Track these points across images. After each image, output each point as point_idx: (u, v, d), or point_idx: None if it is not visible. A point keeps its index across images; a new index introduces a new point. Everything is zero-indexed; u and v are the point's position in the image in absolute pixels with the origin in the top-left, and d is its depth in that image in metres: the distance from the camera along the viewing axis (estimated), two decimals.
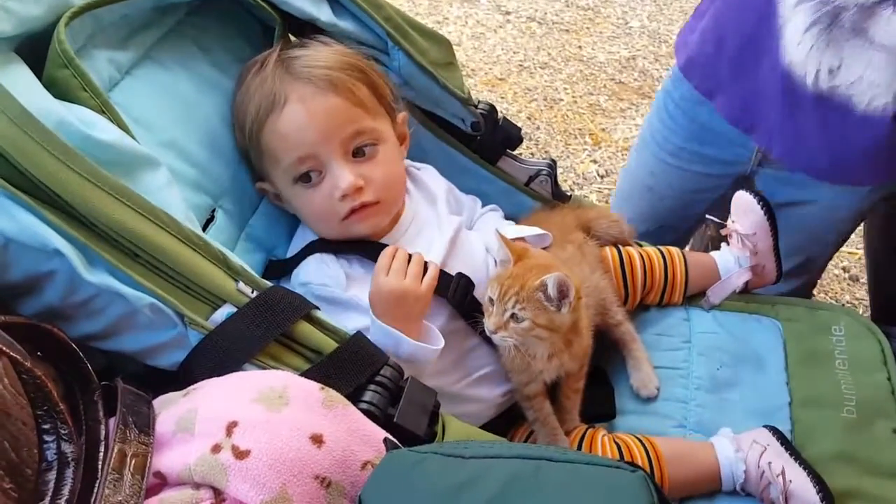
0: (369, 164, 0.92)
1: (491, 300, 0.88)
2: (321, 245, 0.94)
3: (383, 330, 0.82)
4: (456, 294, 0.92)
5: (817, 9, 1.01)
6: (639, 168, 1.38)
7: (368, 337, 0.78)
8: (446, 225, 0.99)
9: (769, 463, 0.86)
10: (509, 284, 0.87)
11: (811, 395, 0.99)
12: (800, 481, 0.86)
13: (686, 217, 1.36)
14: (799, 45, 1.04)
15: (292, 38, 1.03)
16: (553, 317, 0.86)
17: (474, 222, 1.09)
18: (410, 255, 0.88)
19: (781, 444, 0.89)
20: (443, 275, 0.91)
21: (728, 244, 1.14)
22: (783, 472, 0.86)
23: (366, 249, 0.93)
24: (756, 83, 1.12)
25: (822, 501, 0.85)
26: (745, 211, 1.10)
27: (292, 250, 0.97)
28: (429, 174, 1.07)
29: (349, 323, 0.81)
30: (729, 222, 1.13)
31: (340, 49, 0.95)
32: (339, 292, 0.89)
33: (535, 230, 1.02)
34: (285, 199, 0.96)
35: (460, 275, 0.93)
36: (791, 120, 1.11)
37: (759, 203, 1.08)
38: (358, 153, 0.92)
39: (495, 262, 0.99)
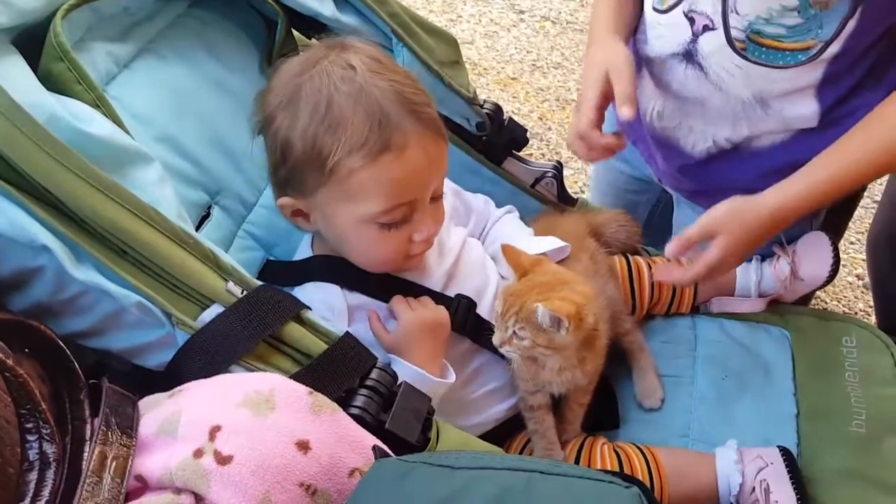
0: (438, 207, 0.88)
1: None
2: (321, 270, 0.89)
3: (410, 370, 0.81)
4: (457, 316, 0.90)
5: (637, 58, 1.04)
6: (595, 169, 1.41)
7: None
8: (447, 248, 0.95)
9: (764, 481, 0.84)
10: (511, 303, 0.85)
11: (819, 408, 0.96)
12: None
13: None
14: (643, 85, 1.07)
15: (295, 32, 1.01)
16: (553, 337, 0.84)
17: (490, 226, 1.07)
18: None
19: (787, 467, 0.86)
20: (441, 298, 0.90)
21: (766, 260, 1.08)
22: (769, 490, 0.84)
23: (378, 286, 0.90)
24: None
25: None
26: (814, 257, 1.05)
27: (301, 253, 0.94)
28: None
29: None
30: (790, 249, 1.07)
31: (413, 77, 0.86)
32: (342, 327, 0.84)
33: (556, 243, 1.00)
34: (330, 226, 0.86)
35: (459, 297, 0.91)
36: (653, 147, 1.12)
37: (832, 262, 1.03)
38: (435, 197, 0.87)
39: (501, 275, 0.98)
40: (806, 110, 0.95)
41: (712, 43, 0.93)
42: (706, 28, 0.92)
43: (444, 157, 0.85)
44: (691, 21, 0.94)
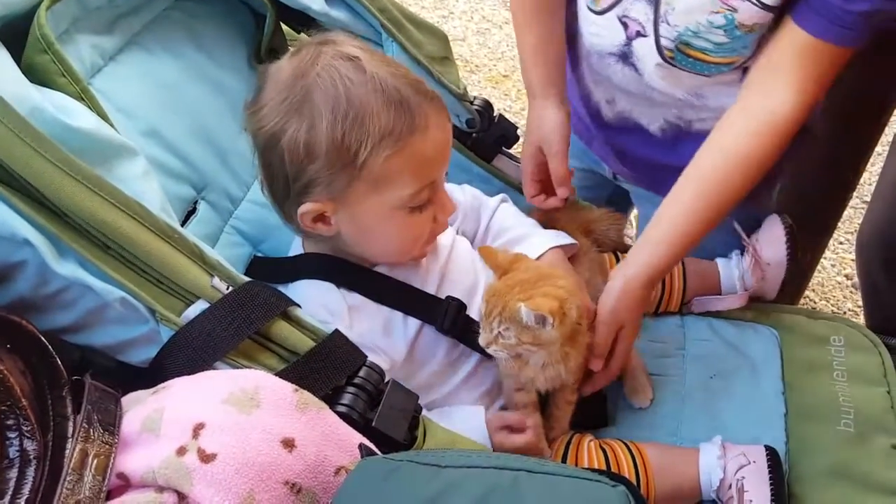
0: (444, 188, 0.89)
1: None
2: (313, 267, 0.88)
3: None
4: (446, 320, 0.89)
5: (575, 52, 1.07)
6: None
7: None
8: (439, 246, 0.94)
9: (741, 480, 0.84)
10: (493, 303, 0.85)
11: (807, 407, 0.96)
12: None
13: None
14: (587, 77, 1.10)
15: (284, 26, 1.01)
16: (538, 334, 0.83)
17: (489, 218, 1.05)
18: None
19: (770, 467, 0.85)
20: (433, 300, 0.89)
21: (742, 255, 1.09)
22: (744, 490, 0.83)
23: (373, 286, 0.88)
24: (579, 106, 1.15)
25: None
26: (770, 238, 1.06)
27: (294, 250, 0.93)
28: None
29: None
30: (753, 239, 1.08)
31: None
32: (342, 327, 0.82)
33: (569, 238, 1.00)
34: (356, 223, 0.84)
35: (449, 299, 0.90)
36: (612, 140, 1.13)
37: (787, 239, 1.05)
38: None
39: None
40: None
41: (644, 48, 0.96)
42: (638, 34, 0.95)
43: (450, 133, 0.87)
44: (625, 26, 0.96)
